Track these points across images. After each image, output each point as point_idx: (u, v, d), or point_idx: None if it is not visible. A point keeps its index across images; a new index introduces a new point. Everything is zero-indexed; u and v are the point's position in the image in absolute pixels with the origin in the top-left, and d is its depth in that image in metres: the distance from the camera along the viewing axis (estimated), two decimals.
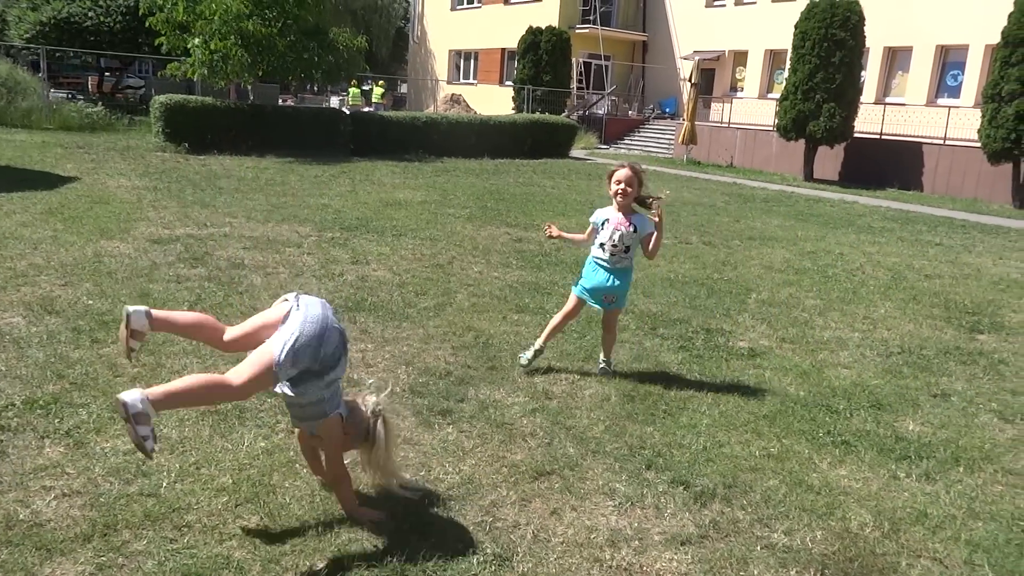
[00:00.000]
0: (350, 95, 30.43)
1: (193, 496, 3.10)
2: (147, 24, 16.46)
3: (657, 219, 4.46)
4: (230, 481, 3.22)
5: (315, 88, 38.98)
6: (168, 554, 2.73)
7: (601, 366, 4.80)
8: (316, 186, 12.18)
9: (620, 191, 4.47)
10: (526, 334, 5.48)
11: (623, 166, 4.49)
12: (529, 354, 4.74)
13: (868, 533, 3.18)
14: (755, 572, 2.86)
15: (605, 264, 4.61)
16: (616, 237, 4.53)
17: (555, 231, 4.83)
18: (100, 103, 20.68)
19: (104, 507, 2.98)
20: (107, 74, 34.17)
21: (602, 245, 4.58)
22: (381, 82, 33.07)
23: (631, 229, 4.52)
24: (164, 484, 3.17)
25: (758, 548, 3.01)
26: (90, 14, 25.10)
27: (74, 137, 16.26)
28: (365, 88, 32.22)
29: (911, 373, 5.20)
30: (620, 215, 4.54)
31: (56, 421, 3.65)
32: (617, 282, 4.63)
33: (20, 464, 3.26)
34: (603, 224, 4.60)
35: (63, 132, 17.04)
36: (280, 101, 27.09)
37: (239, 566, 2.69)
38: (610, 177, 4.52)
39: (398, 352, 4.94)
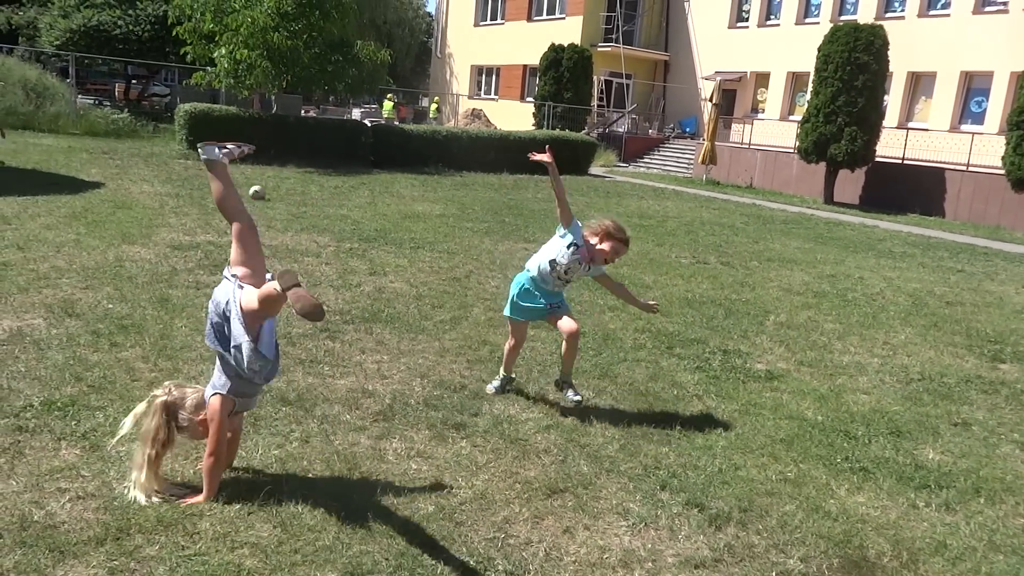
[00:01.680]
0: (385, 109, 30.88)
1: (206, 503, 3.10)
2: (174, 33, 16.70)
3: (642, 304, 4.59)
4: (243, 489, 3.22)
5: (337, 100, 39.35)
6: (180, 560, 2.72)
7: (572, 396, 4.41)
8: (336, 197, 12.26)
9: (608, 258, 4.33)
10: (541, 349, 5.47)
11: (626, 245, 4.36)
12: (496, 383, 4.62)
13: (886, 563, 3.13)
14: None
15: (540, 284, 4.39)
16: (571, 263, 4.30)
17: (547, 158, 4.26)
18: (126, 110, 20.96)
19: (118, 511, 2.99)
20: (134, 81, 34.70)
21: (552, 261, 4.32)
22: (436, 98, 33.91)
23: (586, 268, 4.36)
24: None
25: (773, 574, 2.97)
26: (119, 22, 25.53)
27: (99, 143, 16.47)
28: (394, 101, 32.77)
29: (931, 401, 5.13)
30: (587, 254, 4.32)
31: (73, 423, 3.68)
32: (549, 302, 4.41)
33: (36, 465, 3.28)
34: (570, 245, 4.30)
35: (89, 137, 17.27)
36: (303, 112, 27.34)
37: (250, 575, 2.68)
38: (619, 242, 4.30)
39: (413, 364, 4.94)
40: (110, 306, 5.51)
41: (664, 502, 3.44)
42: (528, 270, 4.46)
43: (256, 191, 11.32)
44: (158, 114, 24.96)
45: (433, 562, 2.84)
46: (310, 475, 3.40)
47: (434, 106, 33.61)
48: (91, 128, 18.08)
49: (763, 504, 3.50)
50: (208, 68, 16.85)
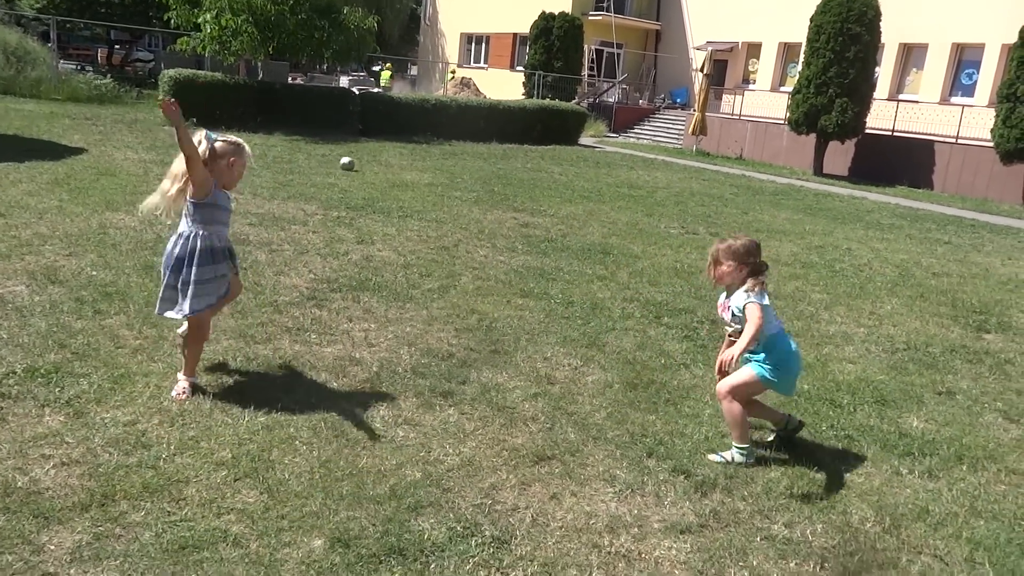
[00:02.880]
0: (382, 78, 30.65)
1: (192, 469, 3.09)
2: None
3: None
4: (229, 455, 3.21)
5: (325, 67, 38.84)
6: (166, 526, 2.72)
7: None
8: (323, 165, 12.14)
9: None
10: (529, 319, 5.46)
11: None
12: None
13: (869, 528, 3.16)
14: (754, 563, 2.84)
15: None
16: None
17: None
18: (109, 75, 20.64)
19: (102, 477, 2.97)
20: (117, 47, 34.13)
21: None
22: (453, 67, 33.57)
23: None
24: (163, 456, 3.16)
25: (758, 539, 3.00)
26: None
27: (82, 108, 16.22)
28: (391, 70, 32.52)
29: (916, 370, 5.17)
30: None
31: (57, 390, 3.64)
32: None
33: (20, 432, 3.25)
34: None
35: (71, 103, 16.99)
36: (290, 79, 26.96)
37: (236, 540, 2.68)
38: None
39: (401, 333, 4.92)
40: (94, 273, 5.45)
41: (651, 469, 3.45)
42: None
43: (346, 162, 11.94)
44: (142, 80, 24.55)
45: (420, 528, 2.85)
46: (297, 442, 3.39)
47: (451, 75, 33.36)
48: (73, 94, 17.78)
49: (749, 471, 3.52)
50: (193, 33, 16.56)
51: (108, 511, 2.77)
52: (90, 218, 7.01)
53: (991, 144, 16.57)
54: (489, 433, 3.67)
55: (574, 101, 25.15)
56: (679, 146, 24.28)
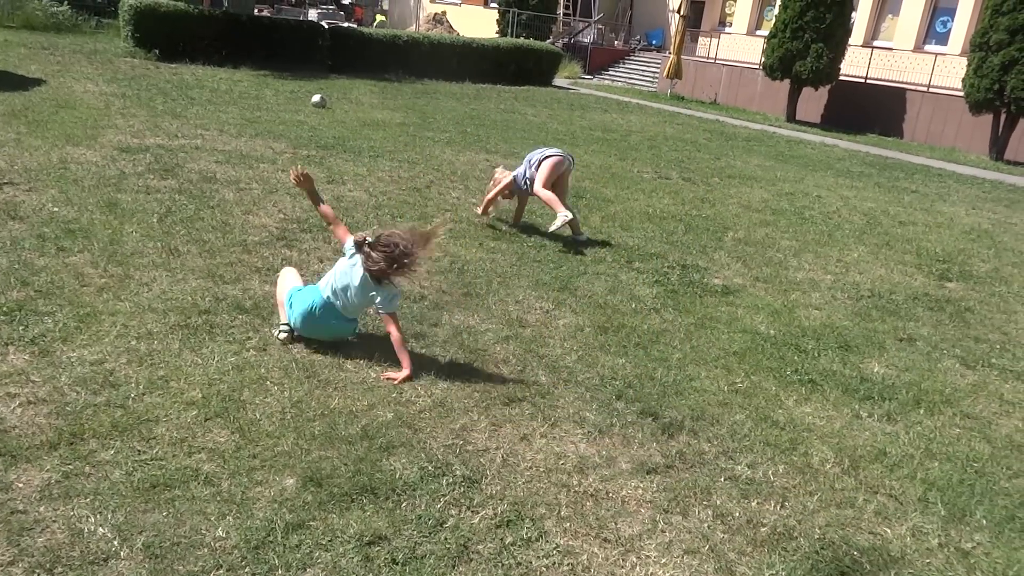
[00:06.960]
0: (377, 21, 30.15)
1: (162, 409, 3.08)
2: None
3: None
4: (199, 395, 3.20)
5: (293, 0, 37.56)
6: (136, 464, 2.71)
7: None
8: (292, 102, 11.85)
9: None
10: (501, 262, 5.45)
11: None
12: None
13: (828, 469, 3.26)
14: (718, 502, 2.93)
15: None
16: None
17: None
18: (66, 2, 19.74)
19: (70, 416, 2.95)
20: None
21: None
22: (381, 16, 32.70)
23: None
24: (132, 396, 3.14)
25: (722, 479, 3.08)
26: None
27: (38, 37, 15.57)
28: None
29: (880, 317, 5.27)
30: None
31: (21, 328, 3.58)
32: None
33: None
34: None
35: (26, 31, 16.31)
36: (256, 11, 26.07)
37: (208, 479, 2.69)
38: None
39: None
40: (55, 209, 5.31)
41: (619, 411, 3.51)
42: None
43: (318, 100, 11.64)
44: (101, 8, 23.55)
45: (392, 467, 2.88)
46: (268, 382, 3.38)
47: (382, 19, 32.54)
48: (28, 21, 17.04)
49: (714, 414, 3.60)
50: None
51: (77, 450, 2.76)
52: (50, 152, 6.79)
53: (961, 94, 16.64)
54: (461, 375, 3.70)
55: (549, 41, 24.70)
56: (654, 89, 24.05)
